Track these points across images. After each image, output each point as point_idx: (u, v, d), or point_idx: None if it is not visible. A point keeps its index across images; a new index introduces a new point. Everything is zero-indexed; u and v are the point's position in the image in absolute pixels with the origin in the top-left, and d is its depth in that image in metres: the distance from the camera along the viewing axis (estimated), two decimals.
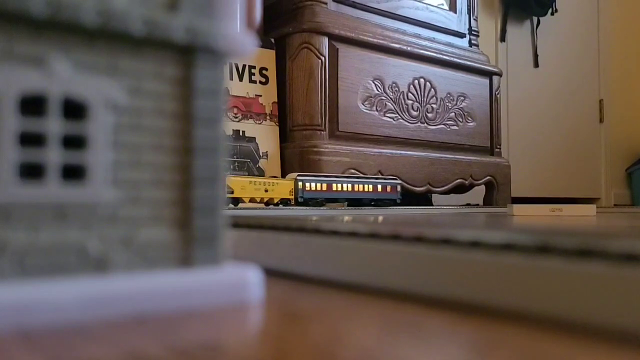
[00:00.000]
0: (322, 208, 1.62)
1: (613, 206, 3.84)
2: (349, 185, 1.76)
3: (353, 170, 2.04)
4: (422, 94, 2.36)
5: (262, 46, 2.08)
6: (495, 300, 0.37)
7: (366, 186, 1.80)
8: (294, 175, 1.70)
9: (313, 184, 1.69)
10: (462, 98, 2.53)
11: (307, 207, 1.63)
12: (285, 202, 1.63)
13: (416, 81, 2.34)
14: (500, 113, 2.75)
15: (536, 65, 3.75)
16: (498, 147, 2.72)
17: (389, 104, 2.24)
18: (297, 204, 1.65)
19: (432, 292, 0.41)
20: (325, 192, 1.71)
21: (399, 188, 1.89)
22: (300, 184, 1.66)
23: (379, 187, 1.84)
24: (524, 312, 0.35)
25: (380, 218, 0.83)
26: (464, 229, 0.48)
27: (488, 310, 0.37)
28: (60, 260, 0.34)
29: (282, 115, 2.09)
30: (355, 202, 1.79)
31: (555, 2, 3.69)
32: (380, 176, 1.93)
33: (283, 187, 1.64)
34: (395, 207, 1.83)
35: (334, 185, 1.73)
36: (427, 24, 2.48)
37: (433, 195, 2.80)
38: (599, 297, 0.32)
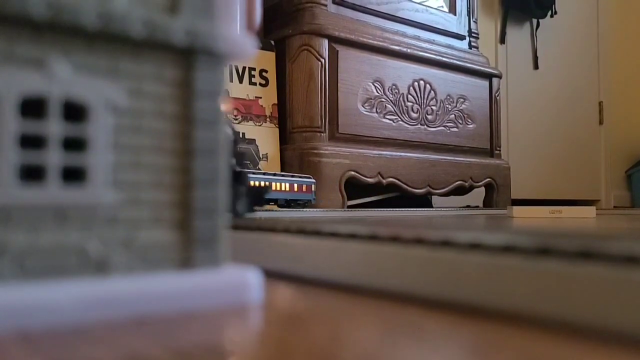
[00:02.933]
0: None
1: (613, 208, 3.84)
2: (264, 184, 1.57)
3: (353, 172, 2.04)
4: (422, 95, 2.37)
5: (262, 48, 2.08)
6: (495, 302, 0.37)
7: (282, 185, 1.62)
8: None
9: None
10: (461, 100, 2.53)
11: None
12: None
13: (416, 83, 2.34)
14: (500, 115, 2.75)
15: (536, 67, 3.75)
16: (498, 149, 2.72)
17: (389, 106, 2.24)
18: None
19: (432, 293, 0.40)
20: None
21: (314, 188, 1.73)
22: None
23: (295, 186, 1.67)
24: (524, 314, 0.35)
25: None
26: (464, 231, 0.48)
27: (488, 312, 0.37)
28: (60, 262, 0.34)
29: (282, 117, 2.10)
30: (268, 202, 1.60)
31: (554, 4, 3.69)
32: (297, 175, 1.74)
33: None
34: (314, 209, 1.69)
35: (250, 183, 1.54)
36: (426, 26, 2.48)
37: (433, 197, 2.80)
38: (599, 299, 0.32)
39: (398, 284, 0.43)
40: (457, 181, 2.45)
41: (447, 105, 2.47)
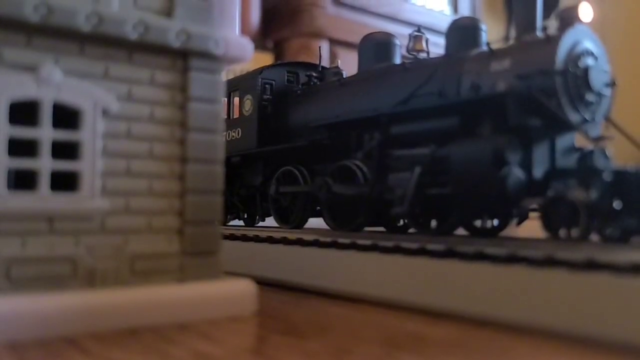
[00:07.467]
0: None
1: None
2: None
3: None
4: None
5: (261, 50, 2.07)
6: (501, 313, 0.36)
7: None
8: None
9: None
10: None
11: None
12: None
13: None
14: None
15: None
16: None
17: None
18: None
19: (434, 304, 0.40)
20: None
21: None
22: None
23: None
24: (529, 325, 0.34)
25: None
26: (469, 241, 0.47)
27: (493, 323, 0.36)
28: (50, 272, 0.33)
29: None
30: None
31: (559, 4, 3.67)
32: None
33: None
34: None
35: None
36: (429, 29, 2.46)
37: None
38: (605, 308, 0.31)
39: (398, 294, 0.42)
40: None
41: None
